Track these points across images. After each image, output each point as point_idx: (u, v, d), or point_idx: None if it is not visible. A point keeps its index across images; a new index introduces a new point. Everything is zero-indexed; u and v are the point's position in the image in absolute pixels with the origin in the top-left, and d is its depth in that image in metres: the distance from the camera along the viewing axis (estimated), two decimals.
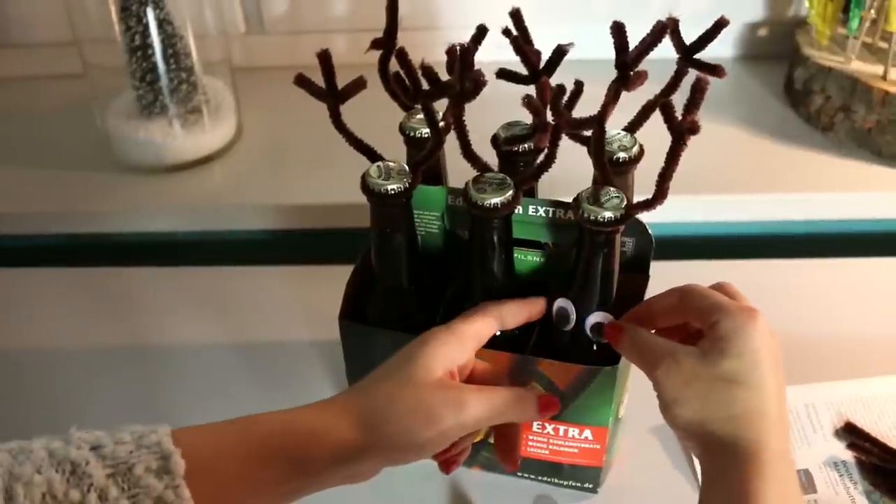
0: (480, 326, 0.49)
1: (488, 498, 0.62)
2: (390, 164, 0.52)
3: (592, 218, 0.47)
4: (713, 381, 0.43)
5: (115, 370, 0.73)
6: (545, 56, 0.51)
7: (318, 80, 0.50)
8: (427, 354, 0.46)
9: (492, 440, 0.57)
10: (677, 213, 0.81)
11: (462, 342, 0.48)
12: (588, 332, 0.52)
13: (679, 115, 0.43)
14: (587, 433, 0.56)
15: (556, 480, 0.61)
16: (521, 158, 0.54)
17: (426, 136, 0.53)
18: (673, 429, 0.45)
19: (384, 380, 0.46)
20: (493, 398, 0.46)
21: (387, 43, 0.52)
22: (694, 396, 0.43)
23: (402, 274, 0.55)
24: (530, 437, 0.58)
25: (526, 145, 0.54)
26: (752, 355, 0.43)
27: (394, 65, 0.50)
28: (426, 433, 0.44)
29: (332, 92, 0.50)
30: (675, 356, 0.45)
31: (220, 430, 0.43)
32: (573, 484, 0.61)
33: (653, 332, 0.50)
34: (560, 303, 0.52)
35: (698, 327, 0.47)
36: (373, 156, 0.53)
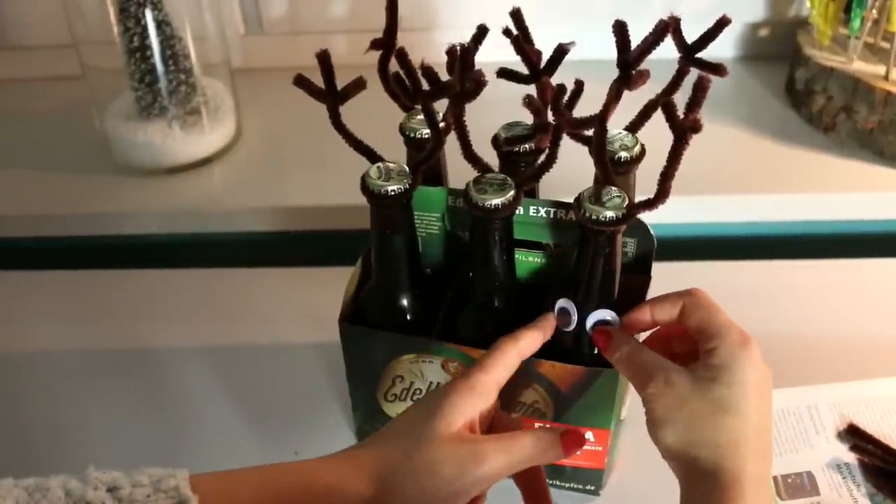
0: (499, 373, 0.47)
1: (488, 498, 0.61)
2: (390, 164, 0.52)
3: (594, 218, 0.47)
4: (702, 406, 0.43)
5: (115, 372, 0.72)
6: (546, 56, 0.51)
7: (318, 80, 0.50)
8: (446, 410, 0.44)
9: None
10: (679, 213, 0.81)
11: (483, 394, 0.46)
12: (590, 332, 0.52)
13: (681, 114, 0.43)
14: (589, 435, 0.56)
15: (558, 482, 0.61)
16: (521, 159, 0.54)
17: (426, 136, 0.53)
18: (657, 447, 0.45)
19: (402, 435, 0.45)
20: (512, 446, 0.45)
21: (386, 43, 0.51)
22: (682, 420, 0.44)
23: (402, 275, 0.55)
24: None
25: (527, 145, 0.53)
26: (742, 386, 0.43)
27: (394, 65, 0.50)
28: (445, 490, 0.43)
29: (331, 92, 0.50)
30: (667, 376, 0.45)
31: (239, 478, 0.42)
32: (575, 486, 0.61)
33: (649, 331, 0.50)
34: (561, 304, 0.52)
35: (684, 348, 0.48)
36: (373, 157, 0.53)
